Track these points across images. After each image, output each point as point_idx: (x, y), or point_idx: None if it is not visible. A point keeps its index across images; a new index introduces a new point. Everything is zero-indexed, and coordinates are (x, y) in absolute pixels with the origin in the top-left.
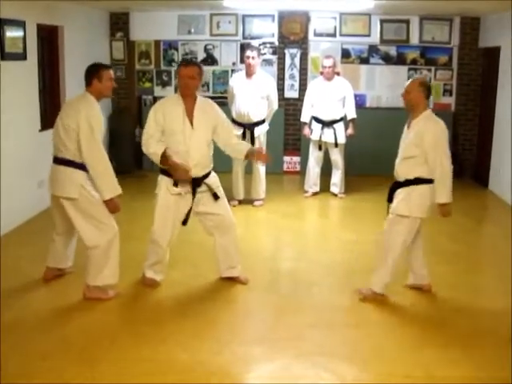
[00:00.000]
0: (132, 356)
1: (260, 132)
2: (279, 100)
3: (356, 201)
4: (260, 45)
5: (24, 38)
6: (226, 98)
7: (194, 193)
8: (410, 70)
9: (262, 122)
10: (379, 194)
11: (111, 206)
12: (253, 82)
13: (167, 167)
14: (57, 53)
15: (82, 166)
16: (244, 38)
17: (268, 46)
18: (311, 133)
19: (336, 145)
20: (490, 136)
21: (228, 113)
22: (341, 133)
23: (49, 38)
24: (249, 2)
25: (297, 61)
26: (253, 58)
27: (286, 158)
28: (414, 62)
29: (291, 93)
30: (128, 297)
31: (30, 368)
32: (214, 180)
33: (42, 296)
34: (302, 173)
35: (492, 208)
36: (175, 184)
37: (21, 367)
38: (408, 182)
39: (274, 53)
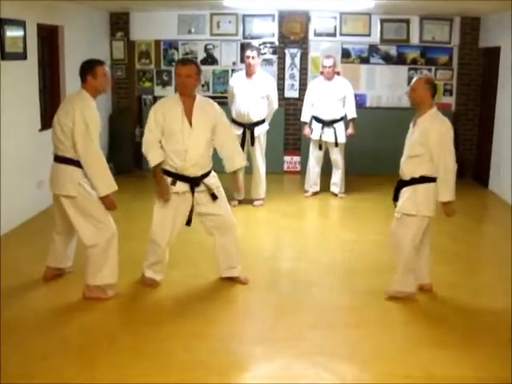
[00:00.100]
0: (132, 356)
1: (260, 132)
2: (279, 100)
3: (356, 200)
4: (260, 44)
5: (24, 37)
6: (226, 97)
7: (192, 192)
8: (410, 69)
9: (262, 121)
10: (379, 193)
11: (107, 202)
12: (253, 81)
13: (154, 178)
14: (57, 52)
15: (79, 164)
16: (244, 37)
17: (268, 45)
18: (311, 132)
19: (336, 144)
20: (490, 136)
21: (228, 112)
22: (341, 132)
23: (49, 38)
24: (249, 1)
25: (297, 60)
26: (253, 57)
27: (286, 158)
28: (414, 61)
29: (291, 92)
30: (128, 296)
31: (30, 368)
32: (213, 180)
33: (42, 296)
34: (302, 172)
35: (492, 208)
36: (173, 183)
37: (20, 367)
38: (413, 181)
39: (274, 52)
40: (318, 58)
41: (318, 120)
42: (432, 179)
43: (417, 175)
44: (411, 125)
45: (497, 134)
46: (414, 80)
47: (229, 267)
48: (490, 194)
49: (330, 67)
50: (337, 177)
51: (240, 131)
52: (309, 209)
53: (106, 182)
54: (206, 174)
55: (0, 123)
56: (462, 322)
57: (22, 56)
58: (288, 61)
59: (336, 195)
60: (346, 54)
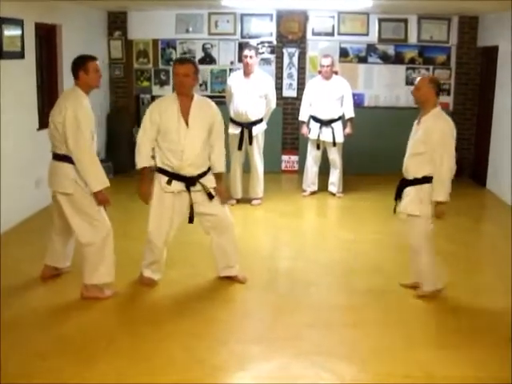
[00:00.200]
0: (130, 355)
1: (258, 131)
2: (277, 99)
3: (354, 200)
4: (258, 44)
5: (22, 36)
6: (224, 97)
7: (188, 192)
8: (408, 69)
9: (260, 121)
10: (377, 193)
11: (100, 197)
12: (251, 81)
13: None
14: (55, 52)
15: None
16: (242, 37)
17: (266, 45)
18: (309, 132)
19: (334, 144)
20: (488, 135)
21: (226, 112)
22: (339, 132)
23: (47, 37)
24: (247, 1)
25: (295, 60)
26: (250, 57)
27: (284, 157)
28: (412, 61)
29: (289, 92)
30: (126, 296)
31: (29, 368)
32: (209, 180)
33: (41, 295)
34: (300, 172)
35: (490, 207)
36: (169, 182)
37: (19, 367)
38: (416, 181)
39: (272, 52)
40: (316, 57)
41: (315, 119)
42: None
43: (420, 175)
44: (415, 123)
45: (495, 133)
46: (418, 79)
47: (226, 266)
48: (488, 193)
49: (327, 66)
50: (335, 176)
51: (238, 130)
52: (307, 208)
53: (98, 178)
54: (203, 174)
55: None
56: (461, 321)
57: (20, 55)
58: (286, 60)
59: (334, 195)
60: (343, 53)
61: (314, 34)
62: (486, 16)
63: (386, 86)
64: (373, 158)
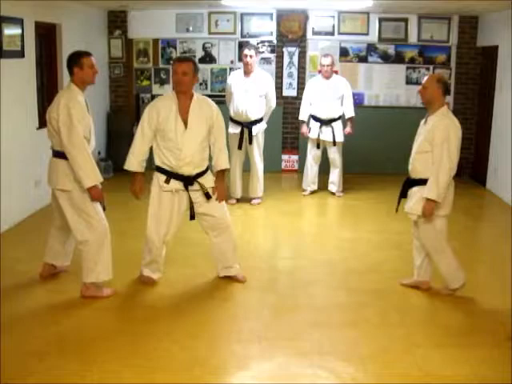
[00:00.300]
0: (129, 355)
1: (258, 130)
2: (277, 98)
3: (354, 199)
4: (258, 43)
5: (22, 35)
6: (224, 96)
7: (186, 191)
8: (408, 68)
9: (260, 120)
10: (377, 192)
11: (94, 193)
12: (251, 80)
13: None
14: (55, 51)
15: None
16: (242, 36)
17: (266, 44)
18: (309, 131)
19: (334, 143)
20: (488, 135)
21: (226, 111)
22: (339, 131)
23: (47, 36)
24: (247, 0)
25: (295, 59)
26: (250, 56)
27: (284, 157)
28: (412, 60)
29: (289, 91)
30: (125, 295)
31: (28, 367)
32: (208, 179)
33: (40, 294)
34: (300, 171)
35: (490, 207)
36: (167, 181)
37: (19, 366)
38: (423, 181)
39: (272, 51)
40: (317, 56)
41: (316, 119)
42: None
43: (425, 176)
44: (422, 123)
45: (495, 132)
46: (425, 78)
47: (225, 266)
48: (488, 193)
49: (328, 66)
50: (335, 175)
51: (238, 130)
52: (307, 207)
53: (90, 174)
54: (202, 173)
55: None
56: (460, 321)
57: (20, 54)
58: (286, 59)
59: (334, 194)
60: (344, 52)
61: (314, 33)
62: (486, 16)
63: (386, 85)
64: (373, 157)
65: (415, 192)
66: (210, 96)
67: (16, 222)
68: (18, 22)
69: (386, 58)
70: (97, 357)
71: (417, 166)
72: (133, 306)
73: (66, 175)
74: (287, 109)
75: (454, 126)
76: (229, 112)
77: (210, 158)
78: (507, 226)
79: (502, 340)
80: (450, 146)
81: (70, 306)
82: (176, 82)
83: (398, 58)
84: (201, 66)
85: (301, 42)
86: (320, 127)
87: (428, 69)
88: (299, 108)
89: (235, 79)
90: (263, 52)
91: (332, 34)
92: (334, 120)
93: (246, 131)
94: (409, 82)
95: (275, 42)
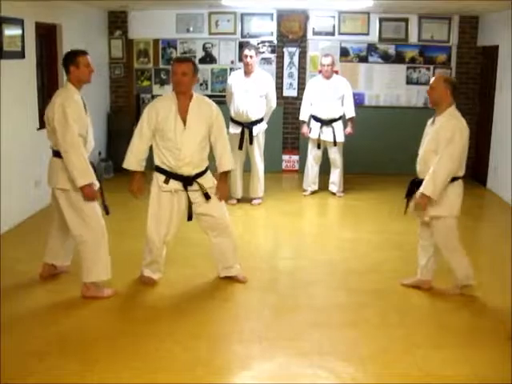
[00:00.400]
0: (130, 355)
1: (258, 131)
2: (278, 99)
3: (354, 199)
4: (259, 43)
5: (22, 36)
6: (224, 96)
7: (186, 191)
8: (408, 68)
9: (261, 120)
10: (378, 192)
11: (87, 192)
12: (251, 80)
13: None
14: (55, 51)
15: None
16: (243, 36)
17: (267, 44)
18: (310, 131)
19: (335, 143)
20: (488, 134)
21: (227, 111)
22: (339, 131)
23: (47, 37)
24: (247, 0)
25: (295, 59)
26: (251, 56)
27: (285, 157)
28: (412, 60)
29: (290, 91)
30: (126, 296)
31: (28, 367)
32: (207, 180)
33: (39, 294)
34: (301, 171)
35: (490, 206)
36: (166, 181)
37: (19, 366)
38: None
39: (272, 51)
40: (317, 56)
41: (316, 119)
42: (454, 178)
43: None
44: (429, 123)
45: (495, 132)
46: (433, 78)
47: (226, 267)
48: (488, 192)
49: (328, 65)
50: (335, 176)
51: (238, 130)
52: (307, 208)
53: (83, 173)
54: (201, 174)
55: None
56: (460, 321)
57: (20, 55)
58: (286, 60)
59: (334, 194)
60: (344, 52)
61: (314, 33)
62: (487, 16)
63: (387, 85)
64: (373, 157)
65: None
66: (210, 96)
67: (16, 223)
68: (19, 22)
69: (386, 58)
70: (97, 357)
71: (424, 166)
72: (133, 307)
73: (64, 174)
74: (288, 109)
75: (461, 126)
76: (229, 112)
77: (211, 158)
78: (507, 225)
79: (502, 340)
80: (454, 147)
81: (70, 307)
82: (175, 82)
83: (399, 58)
84: (201, 66)
85: (301, 42)
86: (320, 127)
87: (428, 69)
88: (300, 108)
89: (235, 79)
90: (263, 52)
91: (332, 34)
92: (335, 120)
93: (246, 131)
94: (409, 82)
95: (275, 42)
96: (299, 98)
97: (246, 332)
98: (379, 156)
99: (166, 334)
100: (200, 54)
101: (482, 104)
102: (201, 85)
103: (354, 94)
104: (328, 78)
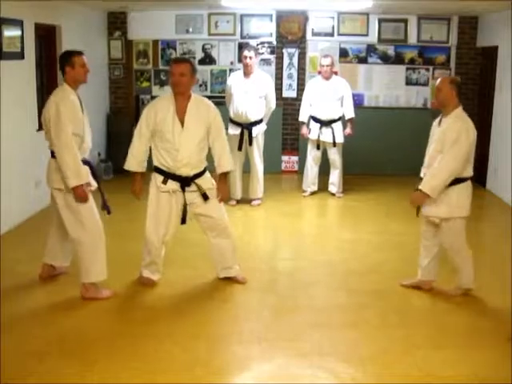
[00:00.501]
0: (130, 356)
1: (258, 132)
2: (277, 99)
3: (354, 200)
4: (258, 44)
5: (22, 37)
6: (223, 97)
7: (183, 192)
8: (407, 69)
9: (260, 121)
10: (377, 193)
11: (79, 193)
12: (250, 81)
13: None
14: (54, 52)
15: None
16: (242, 37)
17: (266, 45)
18: (309, 132)
19: (334, 144)
20: (488, 135)
21: (226, 112)
22: (339, 132)
23: (46, 38)
24: (247, 1)
25: (295, 60)
26: (250, 57)
27: (284, 158)
28: (411, 61)
29: (289, 92)
30: (125, 296)
31: (28, 368)
32: (205, 180)
33: (39, 295)
34: (300, 172)
35: (490, 207)
36: (164, 182)
37: (19, 367)
38: None
39: (272, 52)
40: (316, 57)
41: (315, 120)
42: (462, 179)
43: None
44: (435, 124)
45: (495, 133)
46: (438, 80)
47: (225, 267)
48: (488, 193)
49: (327, 66)
50: (335, 176)
51: (238, 131)
52: (307, 208)
53: (76, 173)
54: (199, 174)
55: None
56: (461, 321)
57: (20, 56)
58: (286, 61)
59: (334, 195)
60: (343, 53)
61: (313, 34)
62: (486, 16)
63: (386, 86)
64: (373, 158)
65: None
66: (209, 97)
67: (16, 223)
68: (18, 23)
69: (385, 59)
70: (97, 357)
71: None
72: (133, 307)
73: (59, 174)
74: (287, 110)
75: (468, 127)
76: (229, 113)
77: (210, 159)
78: (507, 226)
79: (502, 340)
80: (460, 147)
81: (69, 307)
82: (173, 83)
83: (398, 59)
84: (200, 67)
85: (300, 43)
86: (320, 128)
87: (428, 69)
88: (299, 109)
89: (235, 80)
90: (263, 53)
91: (332, 34)
92: (334, 121)
93: (245, 132)
94: (408, 82)
95: (275, 43)
96: (299, 98)
97: (246, 333)
98: (379, 157)
99: (165, 335)
100: (199, 54)
101: (482, 104)
102: (200, 86)
103: (354, 95)
104: (327, 78)
